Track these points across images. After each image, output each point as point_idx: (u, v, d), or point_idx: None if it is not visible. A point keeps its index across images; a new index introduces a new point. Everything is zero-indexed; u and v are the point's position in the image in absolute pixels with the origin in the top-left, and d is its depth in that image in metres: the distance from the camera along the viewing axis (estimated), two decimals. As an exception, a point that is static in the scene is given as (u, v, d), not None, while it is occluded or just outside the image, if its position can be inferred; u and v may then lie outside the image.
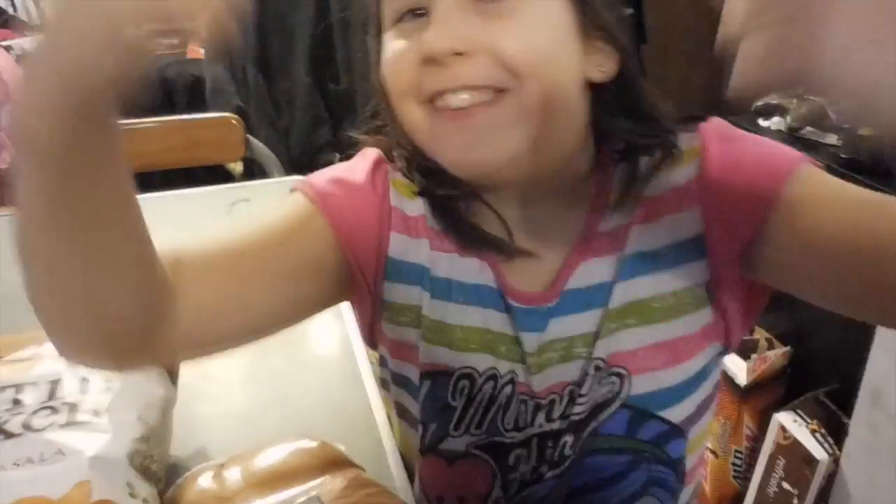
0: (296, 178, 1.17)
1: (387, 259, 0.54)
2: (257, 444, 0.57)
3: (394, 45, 0.47)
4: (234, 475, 0.53)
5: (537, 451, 0.55)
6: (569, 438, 0.54)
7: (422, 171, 0.52)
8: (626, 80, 0.49)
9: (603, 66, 0.48)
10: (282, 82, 2.12)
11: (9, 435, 0.47)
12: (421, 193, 0.53)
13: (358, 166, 0.55)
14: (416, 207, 0.54)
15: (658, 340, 0.51)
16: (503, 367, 0.53)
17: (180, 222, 1.06)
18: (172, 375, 0.59)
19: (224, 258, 0.49)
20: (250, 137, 1.23)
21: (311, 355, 0.77)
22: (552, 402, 0.54)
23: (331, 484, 0.52)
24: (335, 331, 0.79)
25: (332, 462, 0.56)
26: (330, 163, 0.57)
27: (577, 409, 0.53)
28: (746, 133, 0.51)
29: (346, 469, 0.55)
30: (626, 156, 0.52)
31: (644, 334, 0.51)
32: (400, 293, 0.54)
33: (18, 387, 0.51)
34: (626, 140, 0.51)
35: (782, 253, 0.47)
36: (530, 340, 0.52)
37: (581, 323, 0.52)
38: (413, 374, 0.55)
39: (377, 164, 0.55)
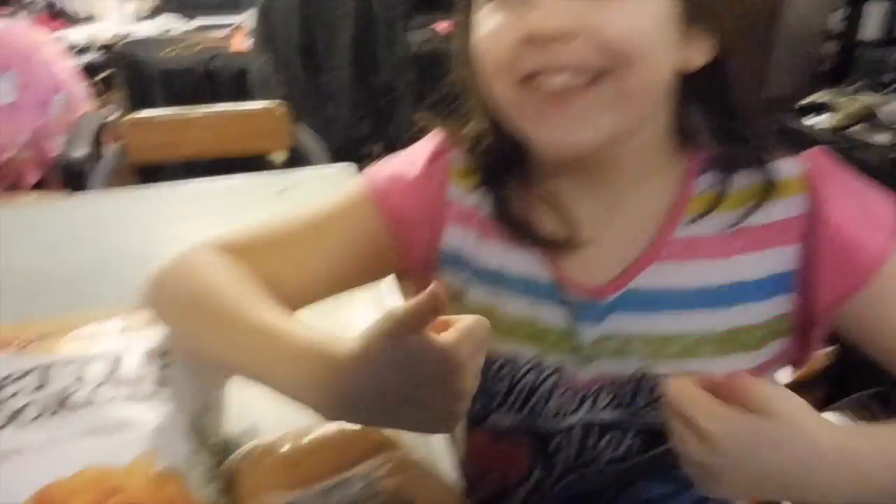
0: (340, 167, 1.19)
1: (438, 250, 0.55)
2: (304, 426, 0.58)
3: (491, 21, 0.47)
4: (287, 449, 0.54)
5: (581, 440, 0.55)
6: (616, 433, 0.55)
7: (489, 157, 0.53)
8: (719, 73, 0.48)
9: (698, 56, 0.47)
10: (324, 74, 2.14)
11: (74, 407, 0.49)
12: (481, 184, 0.54)
13: (418, 155, 0.56)
14: (473, 198, 0.55)
15: (726, 369, 0.50)
16: (549, 358, 0.54)
17: (230, 208, 1.09)
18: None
19: (281, 240, 0.56)
20: (299, 126, 1.25)
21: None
22: (598, 394, 0.54)
23: (379, 465, 0.53)
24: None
25: (378, 443, 0.57)
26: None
27: (621, 406, 0.53)
28: (857, 176, 0.51)
29: (390, 450, 0.56)
30: (714, 166, 0.51)
31: (713, 364, 0.51)
32: (450, 282, 0.56)
33: (82, 362, 0.53)
34: (712, 142, 0.51)
35: (859, 325, 0.51)
36: (585, 332, 0.53)
37: (643, 323, 0.52)
38: None
39: (438, 152, 0.56)
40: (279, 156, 2.32)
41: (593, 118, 0.46)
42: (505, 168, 0.53)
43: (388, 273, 0.61)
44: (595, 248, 0.52)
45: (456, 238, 0.55)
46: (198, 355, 0.52)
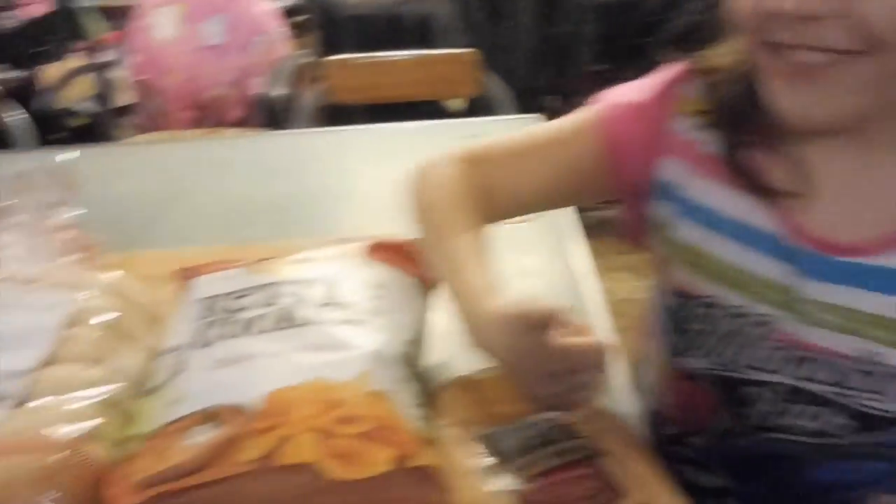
0: (527, 118, 1.18)
1: (653, 180, 0.55)
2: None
3: None
4: (483, 387, 0.56)
5: (781, 402, 0.54)
6: (824, 409, 0.52)
7: (728, 98, 0.52)
8: None
9: None
10: (506, 22, 2.13)
11: (298, 324, 0.53)
12: (714, 123, 0.52)
13: (651, 84, 0.56)
14: (699, 134, 0.54)
15: None
16: (758, 307, 0.52)
17: (419, 152, 1.12)
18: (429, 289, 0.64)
19: (513, 153, 0.63)
20: (486, 73, 1.26)
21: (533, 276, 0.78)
22: (810, 361, 0.51)
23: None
24: (557, 266, 0.80)
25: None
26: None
27: (837, 384, 0.51)
28: None
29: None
30: None
31: None
32: (663, 214, 0.55)
33: (304, 284, 0.57)
34: None
35: None
36: (808, 288, 0.50)
37: (878, 303, 0.49)
38: (662, 288, 0.56)
39: (672, 83, 0.55)
40: (455, 103, 2.35)
41: (842, 96, 0.44)
42: (743, 111, 0.51)
43: (600, 196, 0.64)
44: (836, 207, 0.49)
45: (673, 170, 0.55)
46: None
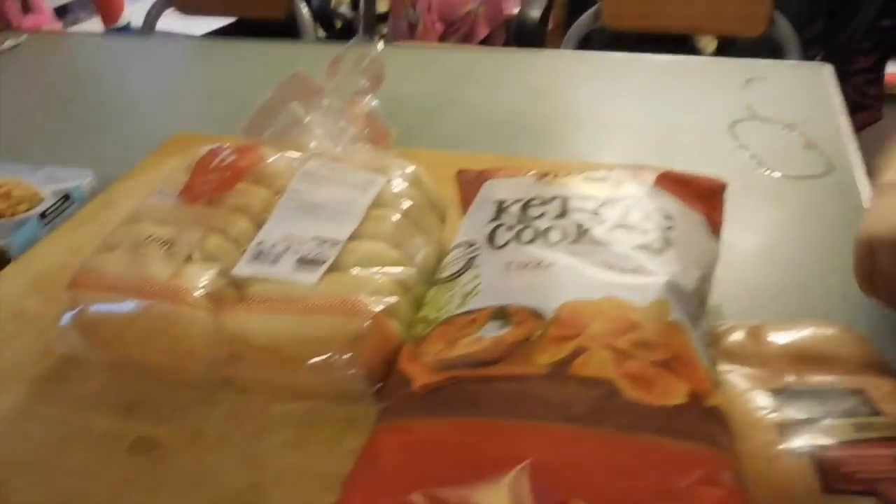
0: (812, 65, 1.08)
1: None
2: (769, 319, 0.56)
3: None
4: (770, 339, 0.53)
5: None
6: None
7: None
8: None
9: None
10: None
11: (592, 241, 0.52)
12: None
13: None
14: None
15: None
16: None
17: (690, 88, 1.06)
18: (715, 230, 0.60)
19: None
20: (774, 14, 1.15)
21: (824, 240, 0.71)
22: None
23: (876, 384, 0.49)
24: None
25: (870, 361, 0.52)
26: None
27: None
28: None
29: (888, 375, 0.51)
30: None
31: None
32: None
33: (597, 202, 0.56)
34: None
35: None
36: None
37: None
38: None
39: None
40: (709, 44, 2.19)
41: None
42: None
43: None
44: None
45: None
46: None
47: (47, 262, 0.72)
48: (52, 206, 0.79)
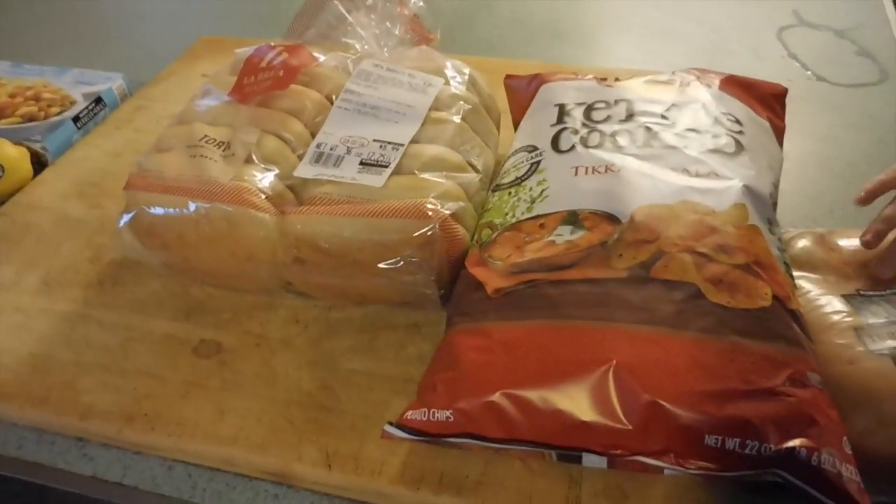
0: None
1: None
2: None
3: None
4: (838, 246, 0.52)
5: None
6: None
7: None
8: None
9: None
10: None
11: (663, 144, 0.51)
12: None
13: None
14: None
15: None
16: None
17: (726, 27, 1.02)
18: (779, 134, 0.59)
19: None
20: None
21: (880, 148, 0.70)
22: None
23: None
24: None
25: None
26: None
27: None
28: None
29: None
30: None
31: None
32: None
33: (664, 105, 0.55)
34: None
35: None
36: None
37: None
38: None
39: None
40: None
41: None
42: None
43: None
44: None
45: None
46: None
47: (86, 166, 0.71)
48: (84, 109, 0.77)
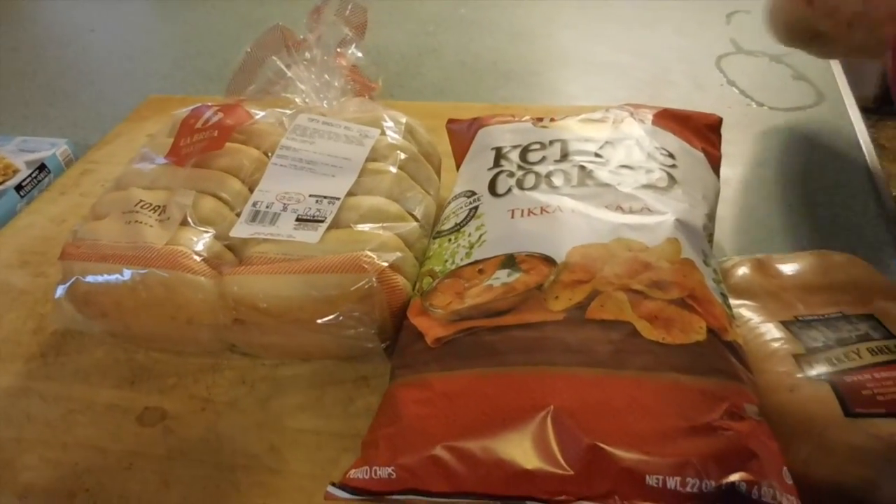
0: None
1: None
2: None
3: None
4: (776, 271, 0.53)
5: None
6: None
7: None
8: None
9: None
10: None
11: (596, 183, 0.51)
12: None
13: None
14: None
15: None
16: None
17: (672, 25, 1.04)
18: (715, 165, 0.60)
19: None
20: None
21: (818, 171, 0.71)
22: None
23: (886, 308, 0.49)
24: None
25: (877, 286, 0.52)
26: None
27: None
28: None
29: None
30: None
31: None
32: None
33: (594, 142, 0.55)
34: None
35: None
36: None
37: None
38: None
39: None
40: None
41: None
42: None
43: None
44: None
45: None
46: None
47: (30, 234, 0.70)
48: (27, 177, 0.76)
